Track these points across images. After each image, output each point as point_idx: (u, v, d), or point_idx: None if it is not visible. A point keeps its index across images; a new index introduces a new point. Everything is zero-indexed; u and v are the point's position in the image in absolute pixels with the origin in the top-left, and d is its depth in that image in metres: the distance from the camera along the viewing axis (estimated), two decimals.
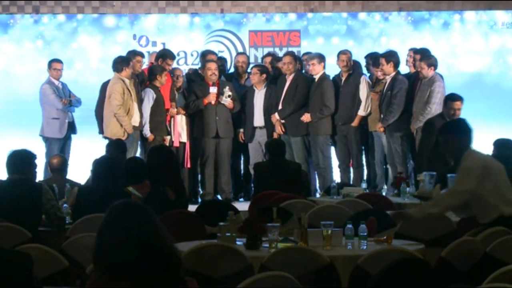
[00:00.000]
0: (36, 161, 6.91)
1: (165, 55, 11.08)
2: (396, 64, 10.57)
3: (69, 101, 11.11)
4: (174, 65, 11.39)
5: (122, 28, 12.81)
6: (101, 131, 10.68)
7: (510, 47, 12.83)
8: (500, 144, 8.59)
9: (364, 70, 11.33)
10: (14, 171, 6.71)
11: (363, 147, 11.06)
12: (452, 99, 9.54)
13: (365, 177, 10.93)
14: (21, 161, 6.75)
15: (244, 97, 11.12)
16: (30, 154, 6.87)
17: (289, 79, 10.94)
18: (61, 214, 6.86)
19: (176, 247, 3.38)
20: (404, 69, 11.08)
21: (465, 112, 12.11)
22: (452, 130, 6.17)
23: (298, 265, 4.88)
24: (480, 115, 11.47)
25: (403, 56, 10.99)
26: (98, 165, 7.10)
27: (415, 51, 11.04)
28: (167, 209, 6.49)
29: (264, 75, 11.02)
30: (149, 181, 7.08)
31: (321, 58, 10.96)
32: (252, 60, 12.34)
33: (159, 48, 12.22)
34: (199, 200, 10.80)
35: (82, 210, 6.66)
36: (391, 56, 10.58)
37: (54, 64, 11.19)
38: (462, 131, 6.08)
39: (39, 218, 6.68)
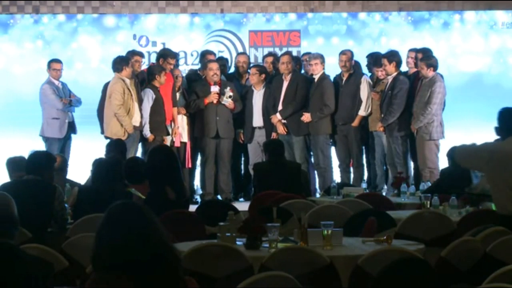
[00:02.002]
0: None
1: (166, 54, 11.05)
2: (398, 64, 10.58)
3: (69, 101, 11.11)
4: None
5: (122, 28, 12.79)
6: (103, 131, 10.67)
7: (510, 47, 12.82)
8: None
9: (365, 70, 11.32)
10: (32, 172, 6.71)
11: (363, 147, 11.06)
12: None
13: (365, 177, 10.93)
14: (40, 162, 6.76)
15: (243, 97, 11.11)
16: (51, 156, 7.01)
17: (287, 79, 10.92)
18: (66, 216, 6.86)
19: (176, 247, 3.38)
20: (404, 69, 11.07)
21: (465, 112, 12.17)
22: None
23: (298, 265, 4.87)
24: (480, 115, 11.49)
25: (403, 57, 10.98)
26: (98, 165, 7.11)
27: (417, 50, 11.04)
28: (167, 209, 6.48)
29: (263, 75, 11.00)
30: (149, 181, 7.07)
31: (322, 58, 10.99)
32: (252, 60, 12.31)
33: (159, 48, 12.21)
34: (199, 200, 10.80)
35: (82, 210, 6.66)
36: (393, 56, 10.60)
37: (53, 64, 11.19)
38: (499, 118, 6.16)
39: (49, 220, 6.66)
